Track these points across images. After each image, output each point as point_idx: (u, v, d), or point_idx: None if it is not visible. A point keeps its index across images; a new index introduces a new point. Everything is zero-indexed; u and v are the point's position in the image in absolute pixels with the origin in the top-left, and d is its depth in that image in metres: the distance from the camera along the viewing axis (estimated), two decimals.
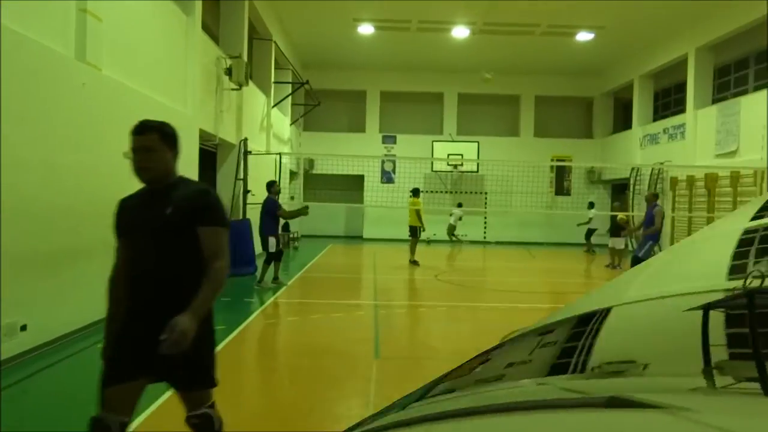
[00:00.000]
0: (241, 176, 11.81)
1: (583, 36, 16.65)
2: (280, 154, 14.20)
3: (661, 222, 9.20)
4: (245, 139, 12.09)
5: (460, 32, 16.65)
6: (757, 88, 14.03)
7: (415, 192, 13.75)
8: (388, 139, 21.84)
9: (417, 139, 21.21)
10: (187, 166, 9.28)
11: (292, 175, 19.44)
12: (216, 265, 2.31)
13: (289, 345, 6.24)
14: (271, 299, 8.34)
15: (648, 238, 9.04)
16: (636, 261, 8.64)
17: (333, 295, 9.17)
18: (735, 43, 14.81)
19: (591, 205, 18.35)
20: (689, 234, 15.31)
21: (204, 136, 10.34)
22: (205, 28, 10.27)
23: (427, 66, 20.74)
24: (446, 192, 21.27)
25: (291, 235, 17.53)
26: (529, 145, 21.54)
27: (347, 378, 4.75)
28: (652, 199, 9.58)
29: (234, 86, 11.31)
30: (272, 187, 9.73)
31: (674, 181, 16.20)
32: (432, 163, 20.53)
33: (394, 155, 20.80)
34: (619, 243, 13.69)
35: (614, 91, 21.06)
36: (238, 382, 4.69)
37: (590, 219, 17.35)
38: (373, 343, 5.92)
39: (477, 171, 20.86)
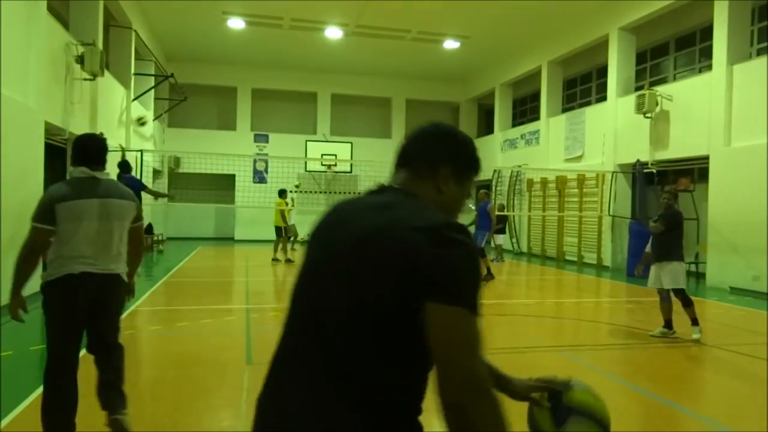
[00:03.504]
0: None
1: (450, 44, 17.47)
2: (141, 151, 13.24)
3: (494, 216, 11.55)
4: (101, 134, 11.09)
5: (334, 33, 16.67)
6: (598, 100, 15.67)
7: (281, 193, 14.11)
8: (261, 138, 21.30)
9: (290, 139, 20.91)
10: (31, 164, 8.33)
11: (156, 173, 18.23)
12: None
13: (153, 356, 5.82)
14: (132, 307, 7.74)
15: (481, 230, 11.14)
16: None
17: (201, 300, 8.73)
18: (580, 59, 16.43)
19: None
20: (543, 231, 16.73)
21: (51, 130, 9.33)
22: (52, 10, 9.27)
23: (300, 65, 20.52)
24: (320, 192, 21.23)
25: (155, 238, 16.44)
26: None
27: (217, 387, 4.53)
28: (485, 197, 11.61)
29: (87, 76, 10.33)
30: (127, 166, 9.20)
31: (530, 183, 17.58)
32: (306, 163, 20.37)
33: (267, 154, 20.34)
34: (499, 239, 15.39)
35: (478, 97, 22.36)
36: (94, 400, 4.27)
37: None
38: (245, 349, 5.72)
39: (351, 171, 21.05)
